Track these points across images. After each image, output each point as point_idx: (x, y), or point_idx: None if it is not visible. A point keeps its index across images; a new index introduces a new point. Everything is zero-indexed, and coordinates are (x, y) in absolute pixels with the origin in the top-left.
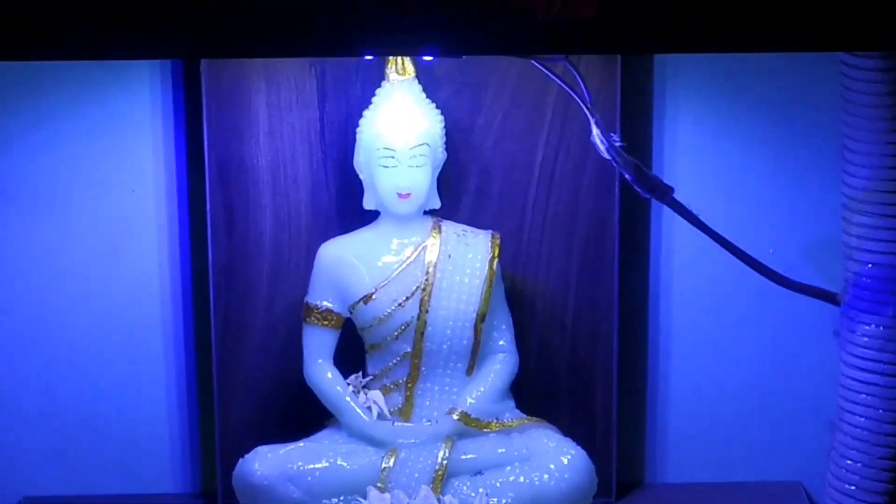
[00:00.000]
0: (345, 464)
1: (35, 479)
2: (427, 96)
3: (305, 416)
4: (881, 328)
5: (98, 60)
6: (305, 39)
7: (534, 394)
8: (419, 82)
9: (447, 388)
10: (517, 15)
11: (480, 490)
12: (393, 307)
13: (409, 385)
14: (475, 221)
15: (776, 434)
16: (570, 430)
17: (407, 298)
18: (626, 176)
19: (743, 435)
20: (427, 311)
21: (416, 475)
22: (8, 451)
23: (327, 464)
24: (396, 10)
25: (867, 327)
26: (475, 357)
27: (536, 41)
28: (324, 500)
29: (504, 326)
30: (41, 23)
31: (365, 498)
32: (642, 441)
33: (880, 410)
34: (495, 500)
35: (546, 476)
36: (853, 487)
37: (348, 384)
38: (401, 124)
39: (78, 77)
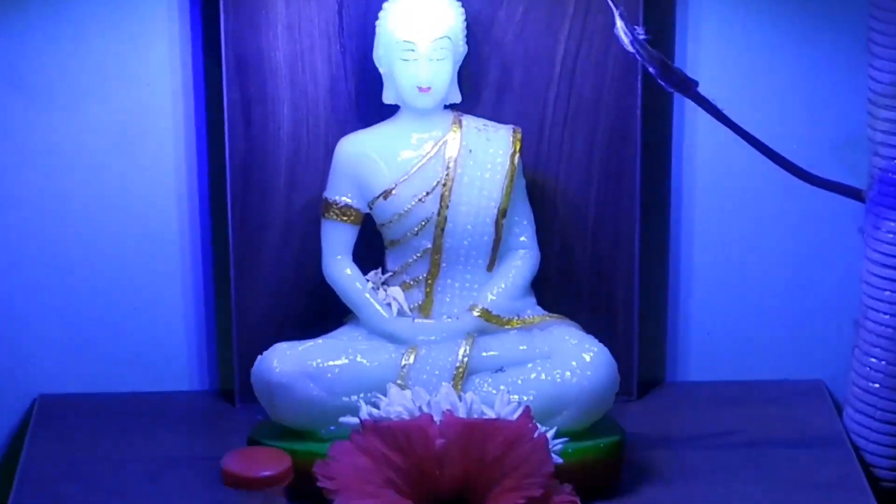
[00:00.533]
0: (364, 361)
1: (51, 377)
2: None
3: (324, 313)
4: None
5: None
6: None
7: (555, 291)
8: None
9: (468, 285)
10: None
11: (501, 387)
12: (413, 203)
13: (429, 281)
14: (496, 116)
15: (798, 332)
16: (591, 327)
17: (427, 194)
18: (650, 70)
19: (765, 333)
20: (447, 207)
21: (437, 372)
22: (23, 348)
23: (347, 361)
24: None
25: (893, 223)
26: (496, 253)
27: None
28: (343, 398)
29: (525, 222)
30: None
31: (385, 395)
32: (663, 339)
33: None
34: (516, 397)
35: (568, 373)
36: (877, 385)
37: (367, 280)
38: (421, 17)
39: None
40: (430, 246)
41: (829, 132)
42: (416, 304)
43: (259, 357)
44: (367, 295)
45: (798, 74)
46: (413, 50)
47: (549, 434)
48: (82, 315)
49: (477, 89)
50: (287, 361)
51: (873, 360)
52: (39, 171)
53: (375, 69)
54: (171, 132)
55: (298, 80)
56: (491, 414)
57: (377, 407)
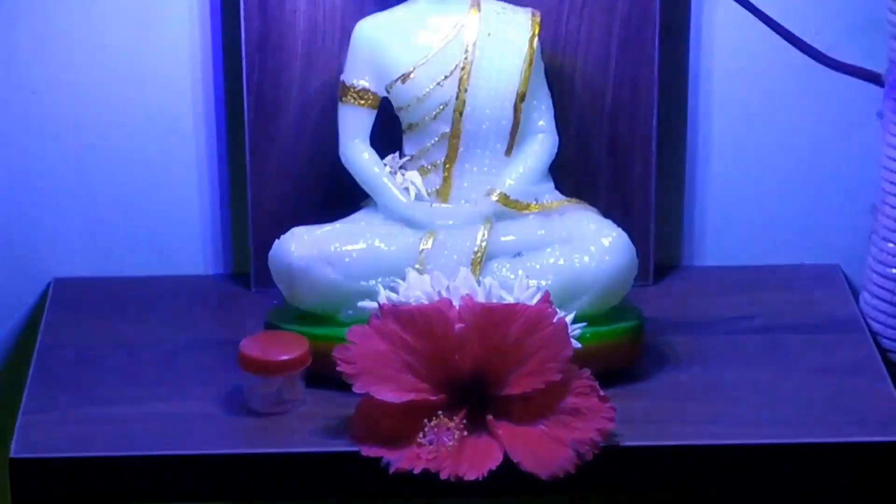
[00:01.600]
0: (382, 245)
1: (65, 261)
2: None
3: (341, 197)
4: None
5: None
6: None
7: (573, 175)
8: None
9: (486, 169)
10: None
11: (520, 272)
12: (431, 86)
13: (448, 166)
14: None
15: (815, 217)
16: (609, 212)
17: (445, 77)
18: None
19: (781, 218)
20: (466, 91)
21: (455, 257)
22: (38, 232)
23: (364, 245)
24: None
25: None
26: (514, 138)
27: None
28: (361, 282)
29: (544, 107)
30: None
31: (403, 280)
32: (680, 224)
33: None
34: (535, 282)
35: (587, 258)
36: (894, 270)
37: (385, 165)
38: None
39: None
40: (448, 130)
41: (848, 15)
42: (433, 189)
43: (276, 241)
44: (385, 179)
45: None
46: None
47: (568, 319)
48: (96, 199)
49: None
50: (304, 245)
51: (891, 244)
52: (56, 55)
53: None
54: (185, 12)
55: None
56: (509, 299)
57: (395, 291)
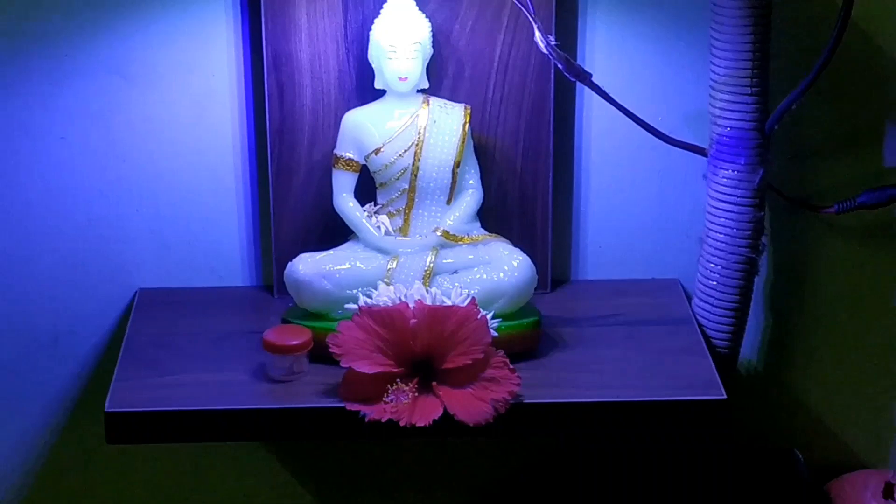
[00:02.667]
0: (362, 266)
1: (145, 275)
2: (420, 9)
3: (334, 232)
4: (735, 172)
5: None
6: None
7: (494, 218)
8: None
9: (433, 214)
10: None
11: (456, 284)
12: (395, 157)
13: (407, 211)
14: (453, 97)
15: (662, 245)
16: (519, 242)
17: (405, 151)
18: (559, 65)
19: (639, 246)
20: (419, 160)
21: (412, 273)
22: (126, 253)
23: (350, 265)
24: None
25: (726, 171)
26: (452, 192)
27: None
28: (347, 291)
29: (473, 171)
30: None
31: (376, 289)
32: (569, 249)
33: (734, 229)
34: (466, 291)
35: (501, 274)
36: (715, 283)
37: (364, 210)
38: (401, 28)
39: None
40: (406, 187)
41: (682, 108)
42: (397, 227)
43: (289, 262)
44: (364, 221)
45: (661, 67)
46: (395, 51)
47: (489, 316)
48: (167, 232)
49: (439, 78)
50: (308, 265)
51: (713, 265)
52: (138, 132)
53: (369, 64)
54: (228, 106)
55: (316, 72)
56: (448, 302)
57: (370, 297)
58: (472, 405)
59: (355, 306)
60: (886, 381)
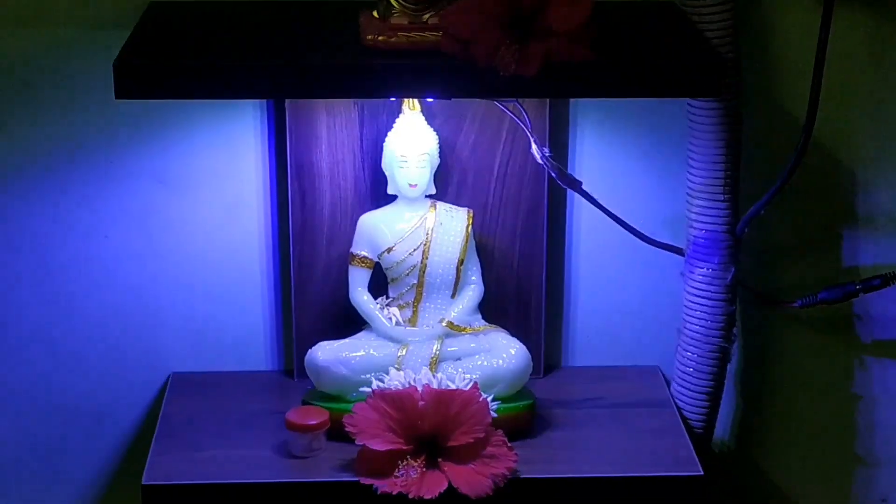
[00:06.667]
0: (375, 353)
1: (178, 360)
2: (428, 123)
3: (350, 322)
4: (710, 270)
5: (222, 98)
6: (353, 86)
7: (493, 309)
8: (423, 114)
9: (439, 306)
10: (487, 71)
11: (459, 370)
12: (405, 255)
13: (416, 304)
14: (457, 202)
15: (643, 334)
16: (515, 332)
17: (414, 250)
18: (553, 174)
19: (623, 336)
20: (427, 258)
21: (420, 360)
22: (160, 340)
23: (364, 353)
24: (411, 68)
25: (701, 270)
26: (457, 287)
27: (499, 89)
28: (362, 376)
29: (475, 268)
30: (192, 73)
31: (388, 374)
32: (560, 339)
33: (709, 321)
34: (468, 376)
35: (500, 361)
36: (691, 370)
37: (377, 303)
38: (411, 141)
39: (212, 106)
40: (416, 282)
41: (662, 212)
42: (406, 319)
43: (309, 350)
44: (377, 312)
45: (643, 176)
46: (406, 160)
47: (489, 399)
48: (198, 321)
49: (445, 185)
50: (327, 352)
51: (689, 353)
52: (175, 233)
53: (382, 172)
54: (255, 211)
55: (335, 179)
56: (452, 386)
57: (382, 381)
58: (474, 480)
59: (369, 390)
60: (850, 461)
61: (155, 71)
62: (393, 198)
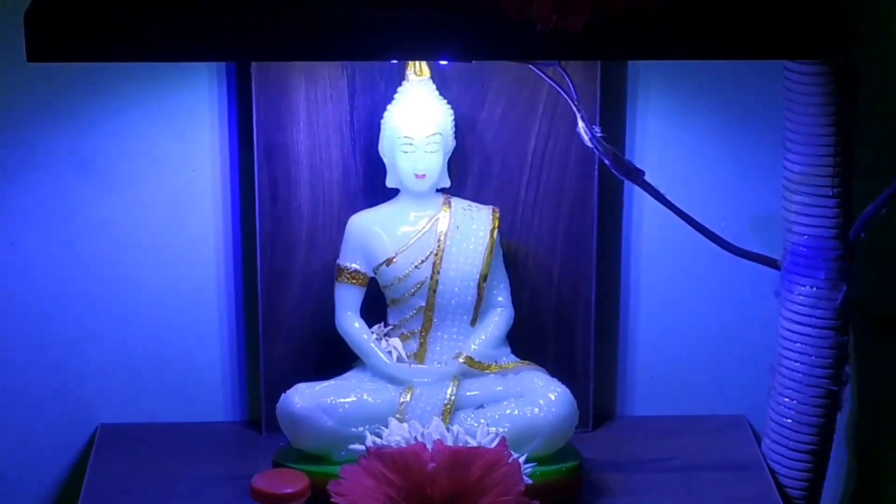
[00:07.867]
0: (370, 398)
1: (109, 409)
2: (440, 94)
3: (336, 358)
4: (814, 289)
5: (167, 62)
6: (340, 45)
7: (526, 341)
8: (434, 82)
9: (454, 336)
10: (519, 26)
11: (482, 421)
12: (410, 269)
13: (423, 334)
14: (478, 198)
15: (725, 375)
16: (556, 371)
17: (422, 261)
18: (605, 161)
19: (698, 376)
20: (439, 273)
21: (429, 408)
22: (87, 385)
23: (355, 398)
24: (418, 21)
25: (802, 288)
26: (478, 310)
27: (535, 49)
28: (352, 428)
29: (502, 285)
30: (128, 29)
31: (386, 427)
32: (615, 381)
33: (812, 357)
34: (494, 429)
35: (536, 409)
36: (790, 420)
37: (373, 332)
38: (418, 117)
39: (152, 72)
40: (423, 304)
41: (751, 212)
42: (412, 352)
43: (283, 394)
44: (373, 344)
45: (725, 164)
46: (411, 143)
47: (521, 460)
48: (135, 357)
49: (463, 176)
50: (306, 398)
51: (787, 399)
52: (104, 238)
53: (379, 158)
54: (211, 207)
55: (316, 167)
56: (473, 443)
57: (380, 436)
58: None
59: (362, 447)
60: None
61: (77, 26)
62: (394, 192)
